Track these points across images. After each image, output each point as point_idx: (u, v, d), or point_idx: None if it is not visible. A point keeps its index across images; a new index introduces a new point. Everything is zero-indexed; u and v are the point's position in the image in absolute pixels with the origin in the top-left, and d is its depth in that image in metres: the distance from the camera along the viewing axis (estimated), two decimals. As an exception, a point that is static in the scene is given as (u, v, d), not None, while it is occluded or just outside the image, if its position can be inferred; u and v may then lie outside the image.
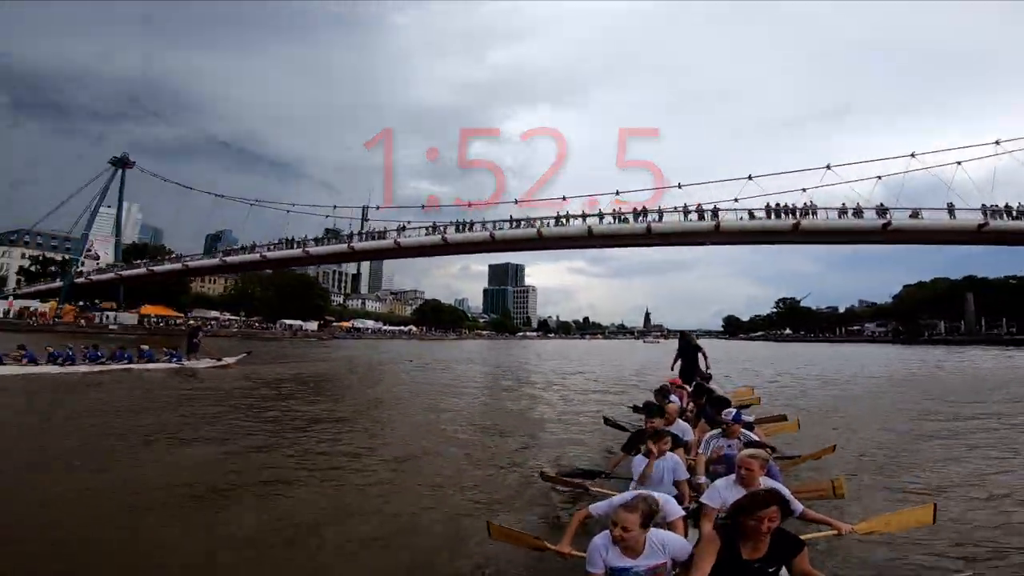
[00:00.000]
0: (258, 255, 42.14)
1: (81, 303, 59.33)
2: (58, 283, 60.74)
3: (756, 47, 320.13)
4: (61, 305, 55.40)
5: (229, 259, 44.87)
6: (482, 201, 39.07)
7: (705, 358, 10.38)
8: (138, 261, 56.38)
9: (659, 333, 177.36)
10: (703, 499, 3.34)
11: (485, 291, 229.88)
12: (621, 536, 2.48)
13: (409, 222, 38.15)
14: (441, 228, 35.46)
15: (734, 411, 4.75)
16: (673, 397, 6.56)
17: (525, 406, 12.06)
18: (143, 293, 60.23)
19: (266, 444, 6.90)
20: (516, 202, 35.79)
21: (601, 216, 32.84)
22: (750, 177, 30.89)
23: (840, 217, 29.63)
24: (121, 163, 58.84)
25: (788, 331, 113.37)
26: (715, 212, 30.75)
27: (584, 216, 32.81)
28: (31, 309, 53.95)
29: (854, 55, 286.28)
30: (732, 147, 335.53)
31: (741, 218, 31.02)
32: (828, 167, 30.67)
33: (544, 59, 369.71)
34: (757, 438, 4.69)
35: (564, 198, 33.82)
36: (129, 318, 56.81)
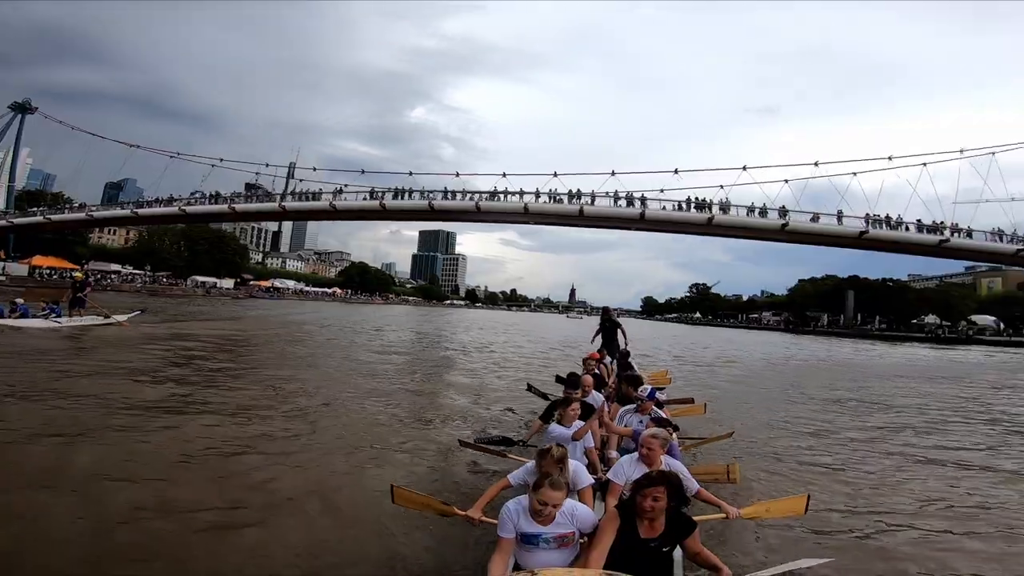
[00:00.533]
0: (176, 208, 39.13)
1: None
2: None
3: (699, 42, 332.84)
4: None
5: (142, 211, 41.29)
6: (423, 172, 38.98)
7: (624, 335, 10.76)
8: (33, 209, 50.48)
9: (582, 309, 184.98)
10: (609, 475, 3.50)
11: (414, 257, 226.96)
12: (551, 513, 2.55)
13: (346, 185, 37.44)
14: (380, 194, 35.14)
15: (649, 388, 5.08)
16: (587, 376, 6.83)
17: (451, 374, 12.35)
18: (36, 242, 54.13)
19: (153, 424, 5.97)
20: (456, 174, 36.20)
21: (537, 195, 34.33)
22: (676, 171, 33.62)
23: (748, 215, 33.22)
24: (22, 108, 53.47)
25: (698, 315, 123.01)
26: (643, 200, 33.20)
27: (521, 193, 34.06)
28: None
29: (788, 60, 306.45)
30: (670, 134, 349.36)
31: (664, 207, 33.79)
32: (744, 168, 34.07)
33: (496, 34, 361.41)
34: (665, 416, 4.93)
35: (504, 174, 34.71)
36: (19, 269, 51.17)
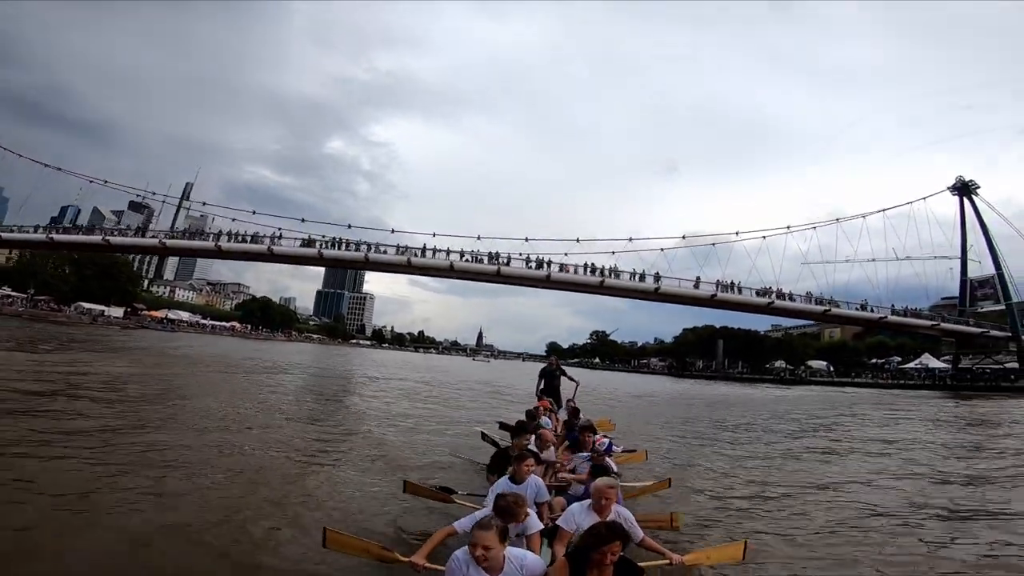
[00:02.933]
0: (100, 238, 40.32)
1: None
2: None
3: (612, 99, 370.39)
4: None
5: (57, 237, 41.83)
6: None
7: (571, 379, 11.23)
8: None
9: (489, 353, 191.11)
10: (559, 522, 3.60)
11: (319, 293, 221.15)
12: (484, 555, 2.57)
13: (280, 230, 41.42)
14: (318, 242, 39.78)
15: (607, 441, 5.32)
16: (544, 420, 6.95)
17: (380, 414, 12.62)
18: None
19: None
20: (392, 231, 42.11)
21: (461, 254, 41.10)
22: (578, 240, 42.62)
23: (631, 280, 42.55)
24: None
25: (597, 360, 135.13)
26: (548, 264, 41.32)
27: (448, 252, 40.67)
28: None
29: (685, 117, 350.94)
30: (581, 182, 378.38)
31: (563, 268, 42.12)
32: (631, 239, 43.84)
33: (427, 72, 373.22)
34: (615, 467, 5.16)
35: (434, 234, 41.37)
36: None
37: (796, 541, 5.11)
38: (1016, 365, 45.34)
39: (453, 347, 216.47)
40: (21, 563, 3.57)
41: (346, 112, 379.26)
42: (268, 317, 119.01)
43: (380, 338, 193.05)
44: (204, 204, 43.33)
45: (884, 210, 47.74)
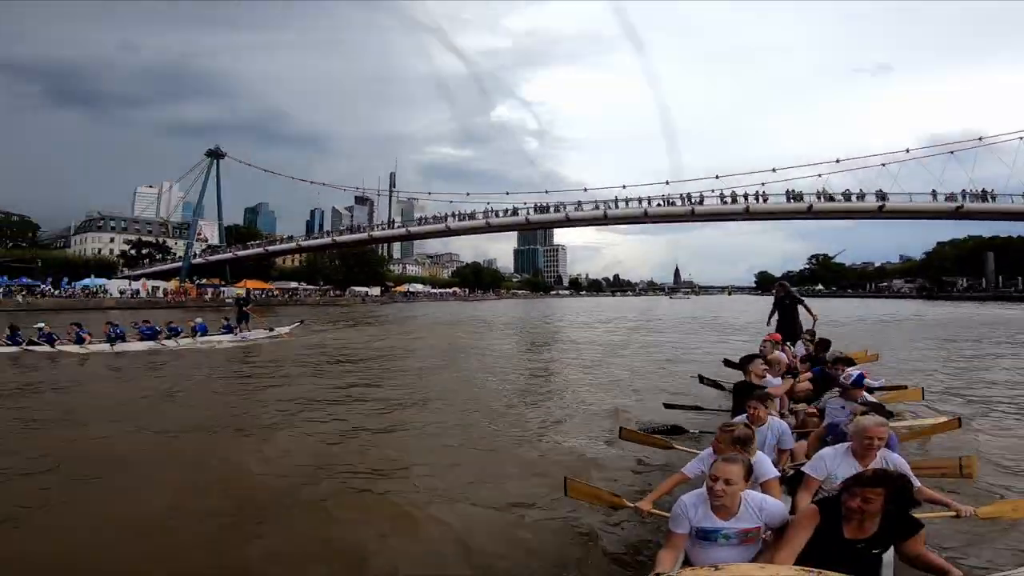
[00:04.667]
0: (330, 239, 55.72)
1: (197, 281, 71.92)
2: (174, 264, 73.14)
3: (784, 8, 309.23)
4: (182, 284, 67.56)
5: (339, 239, 57.80)
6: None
7: (808, 310, 9.61)
8: (251, 243, 69.24)
9: (688, 290, 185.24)
10: (805, 468, 3.13)
11: (516, 251, 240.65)
12: (723, 490, 2.36)
13: (489, 203, 49.40)
14: (524, 211, 46.47)
15: (856, 372, 4.54)
16: (778, 354, 6.13)
17: (598, 360, 13.21)
18: (243, 269, 71.62)
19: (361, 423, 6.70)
20: (585, 189, 46.56)
21: (649, 200, 43.24)
22: (774, 170, 40.73)
23: (846, 200, 39.27)
24: (215, 155, 71.10)
25: (820, 287, 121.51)
26: (745, 197, 40.71)
27: (640, 200, 43.18)
28: (161, 288, 65.99)
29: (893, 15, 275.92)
30: (762, 107, 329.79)
31: (763, 199, 40.83)
32: (838, 160, 40.14)
33: (560, 24, 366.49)
34: (876, 401, 4.44)
35: (624, 186, 44.25)
36: (237, 292, 69.19)
37: None
38: None
39: (650, 287, 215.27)
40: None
41: (499, 79, 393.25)
42: (480, 280, 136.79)
43: (577, 286, 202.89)
44: (429, 193, 55.51)
45: None
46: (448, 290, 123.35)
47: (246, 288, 61.58)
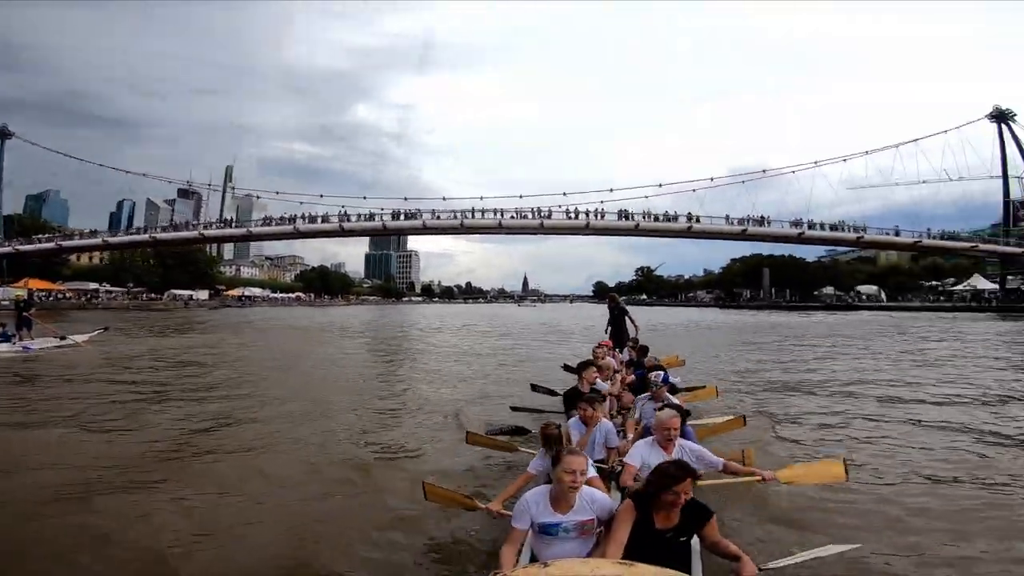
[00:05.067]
0: (148, 236, 49.02)
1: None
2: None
3: (644, 36, 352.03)
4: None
5: (160, 236, 50.43)
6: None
7: (633, 322, 10.71)
8: (39, 236, 57.20)
9: (536, 298, 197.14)
10: (625, 458, 3.65)
11: (367, 256, 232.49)
12: (576, 482, 2.60)
13: (344, 208, 47.63)
14: (379, 216, 45.75)
15: (662, 374, 5.17)
16: (608, 358, 6.77)
17: (449, 365, 13.31)
18: (24, 267, 59.57)
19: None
20: (444, 198, 47.45)
21: (501, 212, 46.02)
22: (611, 190, 46.44)
23: (665, 220, 46.34)
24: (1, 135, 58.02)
25: (644, 296, 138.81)
26: (587, 213, 45.69)
27: (496, 211, 45.64)
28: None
29: (720, 51, 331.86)
30: (615, 123, 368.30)
31: (600, 216, 46.30)
32: (660, 185, 47.39)
33: (443, 30, 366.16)
34: (676, 402, 4.91)
35: (482, 197, 46.36)
36: (17, 293, 56.26)
37: (887, 476, 4.94)
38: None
39: (500, 295, 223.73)
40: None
41: (365, 79, 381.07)
42: (327, 284, 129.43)
43: (430, 293, 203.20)
44: (277, 192, 50.60)
45: (916, 140, 48.83)
46: (291, 295, 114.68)
47: (28, 289, 50.86)
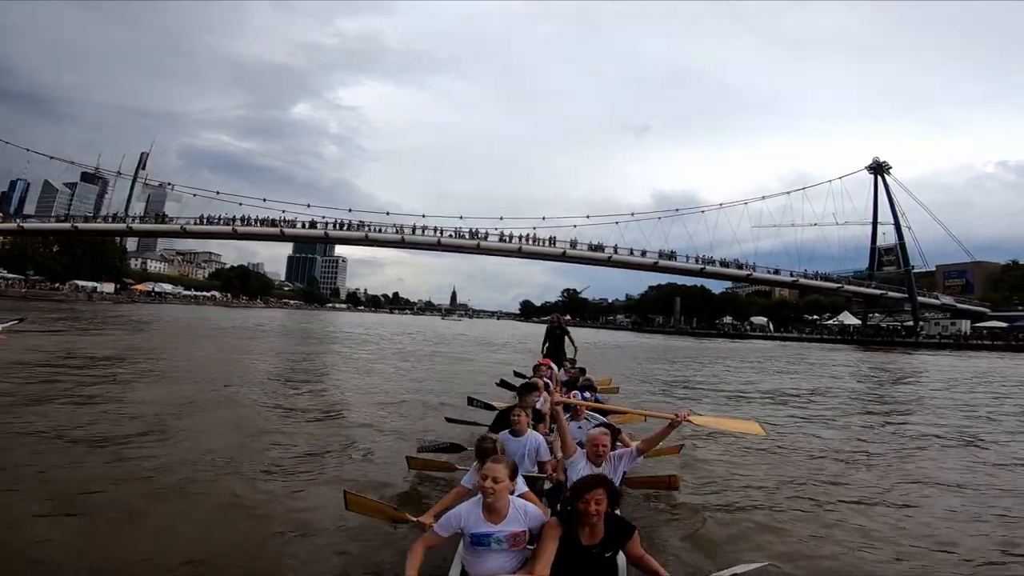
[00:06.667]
0: (69, 225, 48.44)
1: None
2: None
3: (584, 61, 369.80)
4: None
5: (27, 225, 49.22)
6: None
7: (572, 342, 10.97)
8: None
9: (462, 312, 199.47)
10: (563, 461, 3.77)
11: (290, 258, 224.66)
12: (492, 487, 2.63)
13: (284, 212, 49.23)
14: (320, 225, 47.79)
15: (577, 393, 5.37)
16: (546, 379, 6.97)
17: (368, 381, 12.91)
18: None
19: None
20: (388, 213, 50.16)
21: (441, 231, 49.81)
22: (543, 218, 51.96)
23: (590, 249, 52.12)
24: None
25: (568, 317, 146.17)
26: (521, 238, 50.39)
27: (436, 230, 49.22)
28: None
29: (656, 81, 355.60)
30: (553, 146, 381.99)
31: (534, 242, 51.27)
32: (588, 216, 53.16)
33: (396, 36, 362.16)
34: (605, 420, 5.02)
35: (424, 215, 49.91)
36: None
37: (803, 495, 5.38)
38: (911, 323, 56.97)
39: (427, 307, 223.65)
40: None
41: (312, 77, 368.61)
42: (246, 285, 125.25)
43: (355, 301, 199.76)
44: (218, 192, 50.98)
45: (804, 188, 58.61)
46: (206, 293, 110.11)
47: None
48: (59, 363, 12.09)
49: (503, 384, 8.41)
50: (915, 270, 59.98)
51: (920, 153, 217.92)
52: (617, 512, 2.80)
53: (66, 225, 49.67)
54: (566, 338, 11.01)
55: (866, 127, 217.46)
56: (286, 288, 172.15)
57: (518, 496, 2.97)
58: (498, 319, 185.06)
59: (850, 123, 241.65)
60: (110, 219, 54.90)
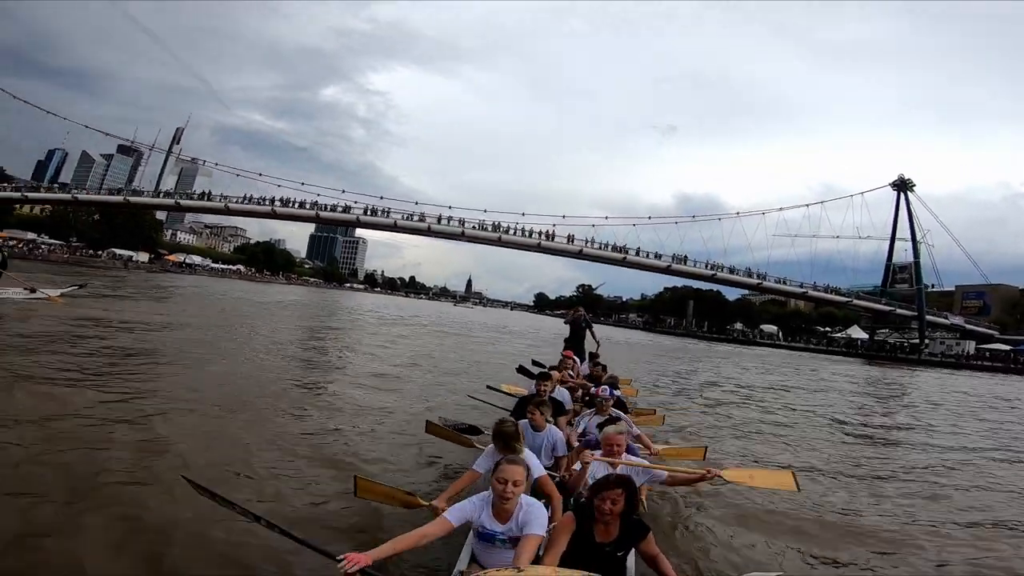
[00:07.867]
0: (122, 198, 53.25)
1: None
2: None
3: (613, 60, 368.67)
4: None
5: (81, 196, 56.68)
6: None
7: (594, 337, 11.05)
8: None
9: (476, 301, 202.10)
10: (575, 466, 3.73)
11: (312, 236, 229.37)
12: (511, 492, 2.63)
13: (319, 195, 52.30)
14: (353, 210, 50.87)
15: (607, 389, 5.26)
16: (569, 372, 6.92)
17: (397, 363, 13.17)
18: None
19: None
20: (416, 203, 53.10)
21: (463, 222, 52.60)
22: (563, 216, 54.18)
23: (607, 250, 54.49)
24: None
25: (583, 311, 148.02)
26: (541, 234, 52.87)
27: (461, 222, 51.95)
28: None
29: (684, 82, 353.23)
30: (577, 141, 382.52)
31: (551, 238, 53.75)
32: (607, 217, 55.55)
33: (426, 23, 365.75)
34: (626, 417, 5.04)
35: (450, 207, 52.73)
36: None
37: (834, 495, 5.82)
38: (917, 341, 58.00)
39: (442, 293, 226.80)
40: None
41: (343, 60, 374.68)
42: (271, 261, 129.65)
43: (372, 282, 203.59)
44: (260, 175, 54.00)
45: (823, 202, 60.03)
46: (232, 267, 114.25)
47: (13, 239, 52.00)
48: (127, 328, 12.70)
49: (521, 370, 8.38)
50: (931, 289, 60.73)
51: (955, 168, 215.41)
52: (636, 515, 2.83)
53: (118, 198, 53.83)
54: (588, 332, 11.14)
55: (900, 139, 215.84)
56: (307, 266, 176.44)
57: (536, 478, 3.09)
58: (511, 309, 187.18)
59: (883, 134, 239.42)
60: (160, 194, 57.49)
